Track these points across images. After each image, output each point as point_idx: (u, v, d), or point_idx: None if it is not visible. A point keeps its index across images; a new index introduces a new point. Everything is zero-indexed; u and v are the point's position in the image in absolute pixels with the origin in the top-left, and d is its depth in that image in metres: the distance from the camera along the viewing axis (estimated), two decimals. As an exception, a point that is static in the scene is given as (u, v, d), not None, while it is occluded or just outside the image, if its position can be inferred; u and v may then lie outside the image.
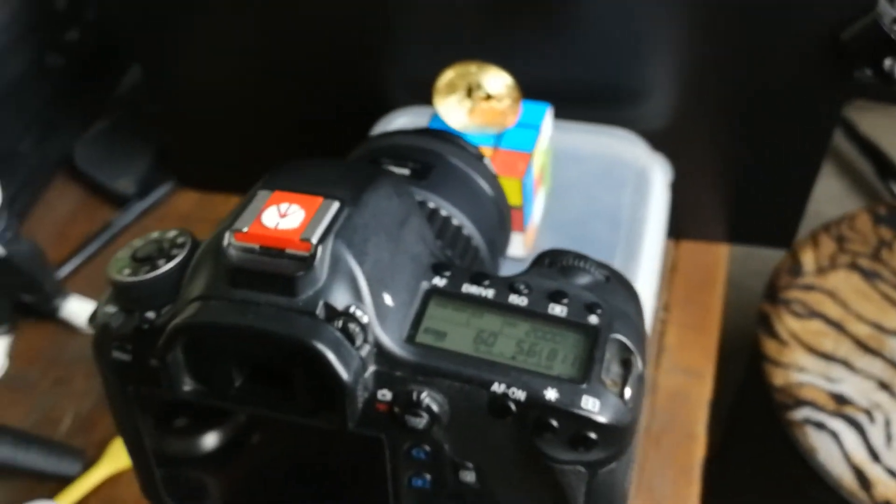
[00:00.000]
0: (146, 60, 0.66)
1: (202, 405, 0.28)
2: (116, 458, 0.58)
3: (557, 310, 0.28)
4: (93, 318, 0.29)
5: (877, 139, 1.52)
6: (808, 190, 0.63)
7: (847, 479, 0.79)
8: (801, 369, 0.85)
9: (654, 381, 0.60)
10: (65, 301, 0.63)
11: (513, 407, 0.26)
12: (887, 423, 0.82)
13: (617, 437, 0.26)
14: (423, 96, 0.54)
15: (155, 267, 0.28)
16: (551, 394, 0.26)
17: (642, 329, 0.29)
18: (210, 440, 0.31)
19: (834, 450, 0.81)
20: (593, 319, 0.27)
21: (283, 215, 0.26)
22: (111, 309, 0.28)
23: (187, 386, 0.27)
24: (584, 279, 0.29)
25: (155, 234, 0.29)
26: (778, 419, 0.85)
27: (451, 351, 0.27)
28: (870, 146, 1.53)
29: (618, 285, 0.29)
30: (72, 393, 0.61)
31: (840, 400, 0.83)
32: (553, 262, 0.29)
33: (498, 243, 0.37)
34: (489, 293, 0.28)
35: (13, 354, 0.63)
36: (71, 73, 0.70)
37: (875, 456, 0.80)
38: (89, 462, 0.57)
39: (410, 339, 0.27)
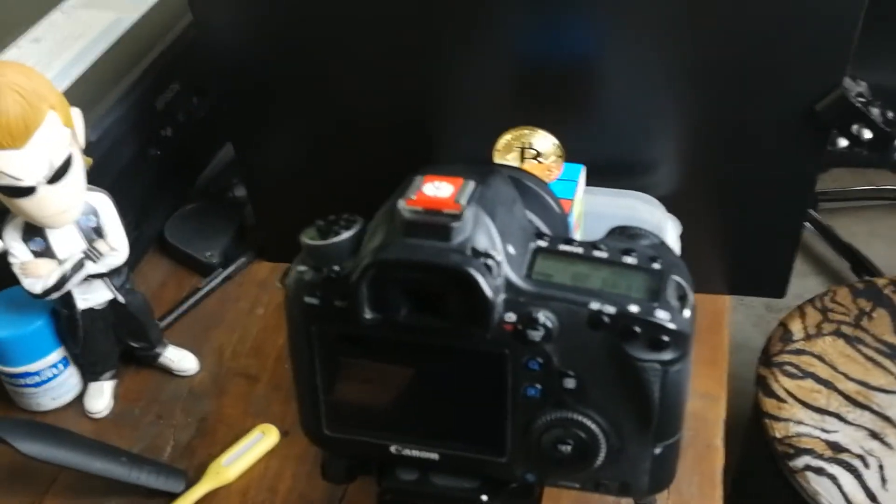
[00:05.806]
0: (241, 155, 0.76)
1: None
2: (214, 479, 0.65)
3: (629, 260, 0.38)
4: (284, 277, 0.40)
5: (853, 242, 1.65)
6: (795, 243, 0.73)
7: (849, 520, 0.84)
8: (799, 422, 0.93)
9: (676, 405, 0.69)
10: (164, 350, 0.72)
11: (606, 319, 0.36)
12: (881, 468, 0.89)
13: (682, 341, 0.36)
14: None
15: (338, 234, 0.38)
16: (634, 307, 0.36)
17: (690, 276, 0.39)
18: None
19: (834, 492, 0.88)
20: (656, 265, 0.38)
21: (437, 188, 0.37)
22: (303, 267, 0.39)
23: (368, 315, 0.37)
24: (644, 241, 0.40)
25: (332, 216, 0.40)
26: (780, 469, 0.93)
27: (558, 283, 0.37)
28: (846, 248, 1.65)
29: (668, 248, 0.40)
30: (171, 426, 0.68)
31: (836, 447, 0.90)
32: (622, 232, 0.40)
33: (565, 241, 0.47)
34: (579, 250, 0.39)
35: (117, 395, 0.71)
36: (165, 163, 0.81)
37: (873, 497, 0.86)
38: (191, 482, 0.64)
39: (528, 277, 0.37)
